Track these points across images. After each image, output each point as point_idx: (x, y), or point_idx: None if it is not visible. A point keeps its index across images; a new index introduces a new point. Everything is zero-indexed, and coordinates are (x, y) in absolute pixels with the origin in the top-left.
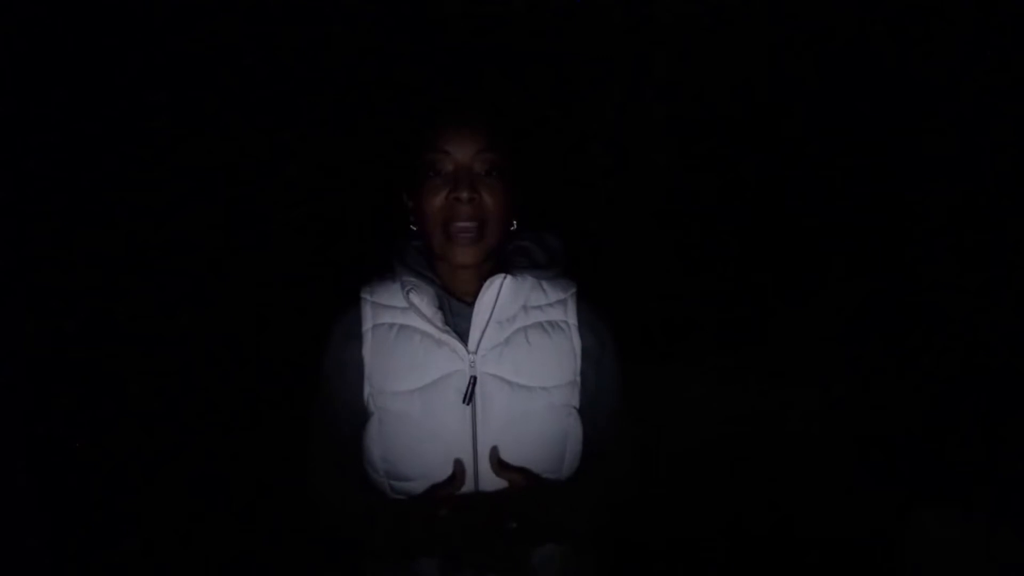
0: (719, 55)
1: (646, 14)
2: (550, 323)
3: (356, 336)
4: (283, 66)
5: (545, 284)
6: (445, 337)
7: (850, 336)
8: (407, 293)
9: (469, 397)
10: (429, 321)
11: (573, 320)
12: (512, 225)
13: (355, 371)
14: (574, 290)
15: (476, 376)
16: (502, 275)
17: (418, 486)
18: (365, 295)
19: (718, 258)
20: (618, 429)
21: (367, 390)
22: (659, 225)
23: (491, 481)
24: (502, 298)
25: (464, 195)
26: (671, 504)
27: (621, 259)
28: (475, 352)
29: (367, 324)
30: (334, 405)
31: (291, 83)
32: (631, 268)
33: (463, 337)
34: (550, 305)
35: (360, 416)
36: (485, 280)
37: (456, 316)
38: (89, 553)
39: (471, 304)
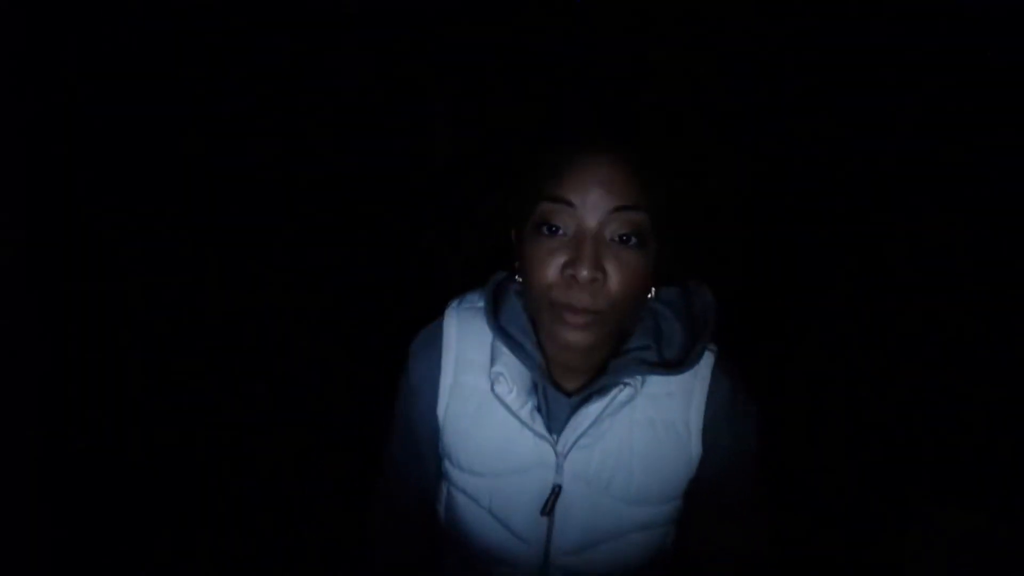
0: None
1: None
2: (664, 423)
3: (431, 391)
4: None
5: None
6: (536, 425)
7: (850, 335)
8: (492, 381)
9: (550, 509)
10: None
11: (697, 422)
12: (649, 294)
13: (429, 426)
14: (707, 373)
15: (561, 485)
16: (619, 387)
17: (478, 557)
18: (448, 338)
19: (717, 257)
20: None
21: (442, 444)
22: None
23: None
24: (611, 407)
25: (584, 274)
26: None
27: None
28: (564, 455)
29: (446, 379)
30: (409, 448)
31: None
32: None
33: (553, 428)
34: (670, 395)
35: (436, 461)
36: (595, 364)
37: (550, 401)
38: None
39: (572, 394)
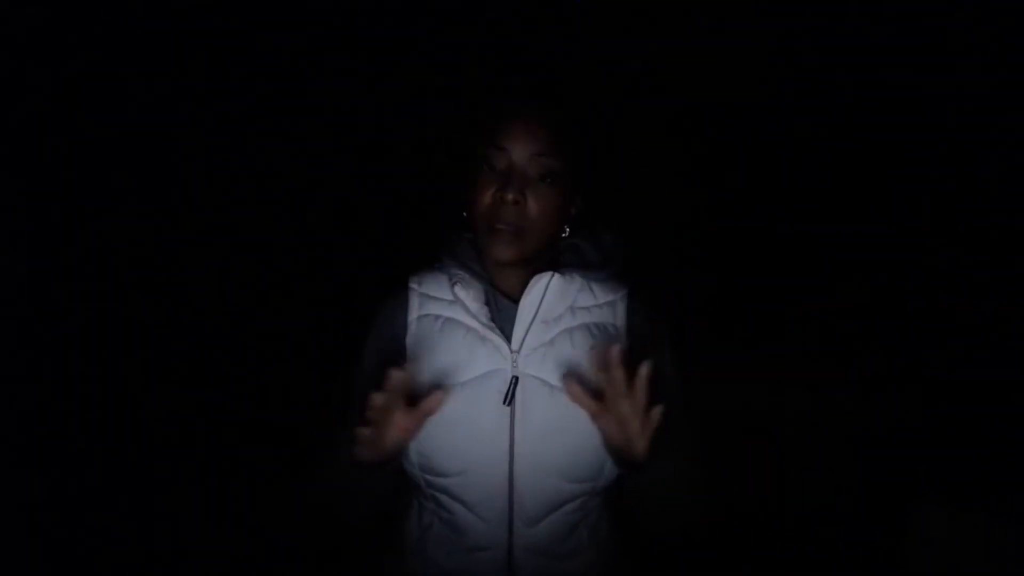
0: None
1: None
2: (597, 325)
3: (401, 325)
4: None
5: (594, 285)
6: (489, 334)
7: (849, 335)
8: (453, 286)
9: (510, 398)
10: (474, 316)
11: (622, 324)
12: (564, 231)
13: (397, 360)
14: (625, 292)
15: (518, 376)
16: (549, 273)
17: (453, 483)
18: (413, 284)
19: (717, 257)
20: (673, 440)
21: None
22: (656, 225)
23: (527, 484)
24: (548, 297)
25: (509, 197)
26: None
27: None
28: (518, 351)
29: (413, 314)
30: (372, 390)
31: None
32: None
33: (507, 335)
34: (598, 307)
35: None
36: (528, 274)
37: (502, 313)
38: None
39: (517, 302)
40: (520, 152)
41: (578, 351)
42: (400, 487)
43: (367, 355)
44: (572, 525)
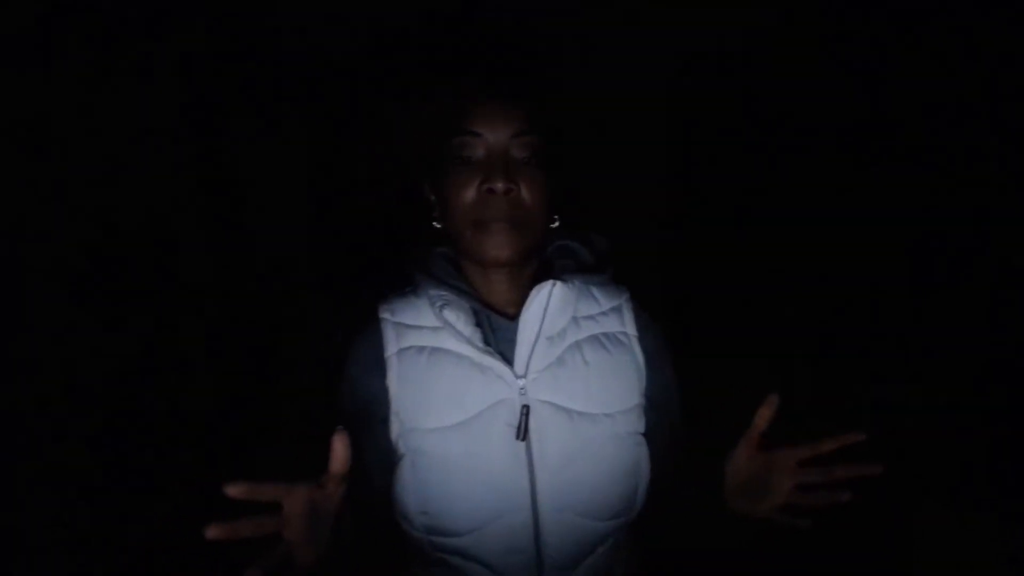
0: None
1: None
2: (607, 335)
3: (377, 364)
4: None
5: (595, 290)
6: (487, 359)
7: (849, 335)
8: (440, 309)
9: (523, 431)
10: (467, 342)
11: (632, 330)
12: (554, 221)
13: (379, 407)
14: (628, 295)
15: (528, 405)
16: (550, 282)
17: (468, 542)
18: (384, 314)
19: (716, 257)
20: (680, 450)
21: (395, 429)
22: (659, 224)
23: (555, 530)
24: (551, 309)
25: (500, 186)
26: None
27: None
28: (524, 376)
29: (390, 349)
30: (357, 450)
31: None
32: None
33: (508, 359)
34: (604, 314)
35: (389, 460)
36: (524, 288)
37: (498, 334)
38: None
39: (514, 318)
40: (498, 135)
41: (592, 367)
42: (394, 555)
43: (345, 410)
44: (608, 568)
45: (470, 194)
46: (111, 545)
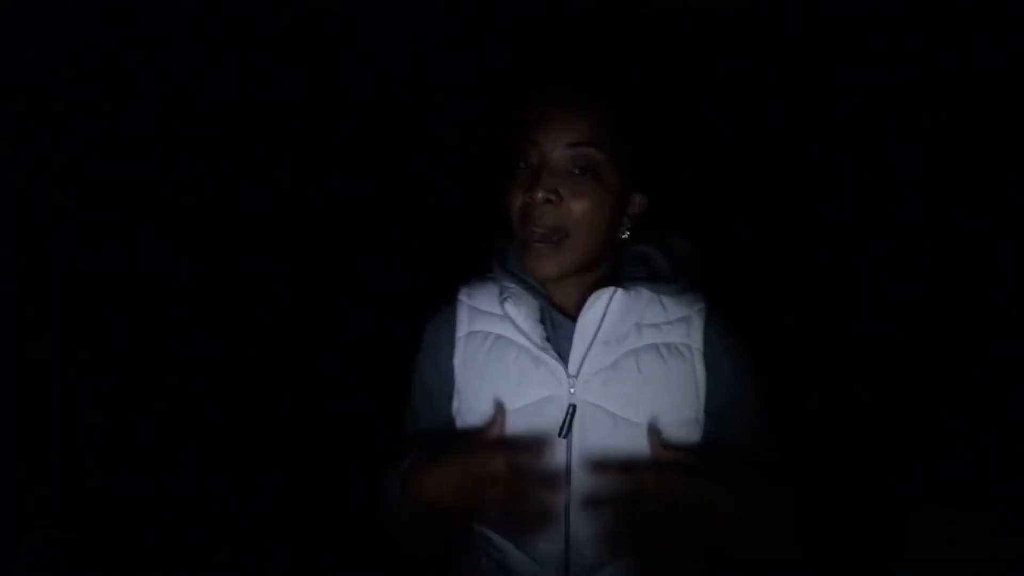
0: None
1: None
2: (667, 346)
3: (448, 343)
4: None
5: (665, 299)
6: (544, 356)
7: (849, 335)
8: (503, 302)
9: (566, 429)
10: (526, 335)
11: (698, 344)
12: (622, 235)
13: (445, 381)
14: (702, 306)
15: (575, 404)
16: (611, 289)
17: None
18: (463, 297)
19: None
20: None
21: (455, 404)
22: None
23: (584, 525)
24: (610, 315)
25: (538, 195)
26: None
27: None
28: (575, 376)
29: (461, 330)
30: (425, 415)
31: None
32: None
33: (564, 357)
34: (669, 324)
35: (449, 428)
36: (590, 291)
37: (558, 332)
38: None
39: (575, 319)
40: (551, 144)
41: (645, 376)
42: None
43: (419, 378)
44: (636, 571)
45: (517, 201)
46: (110, 544)
